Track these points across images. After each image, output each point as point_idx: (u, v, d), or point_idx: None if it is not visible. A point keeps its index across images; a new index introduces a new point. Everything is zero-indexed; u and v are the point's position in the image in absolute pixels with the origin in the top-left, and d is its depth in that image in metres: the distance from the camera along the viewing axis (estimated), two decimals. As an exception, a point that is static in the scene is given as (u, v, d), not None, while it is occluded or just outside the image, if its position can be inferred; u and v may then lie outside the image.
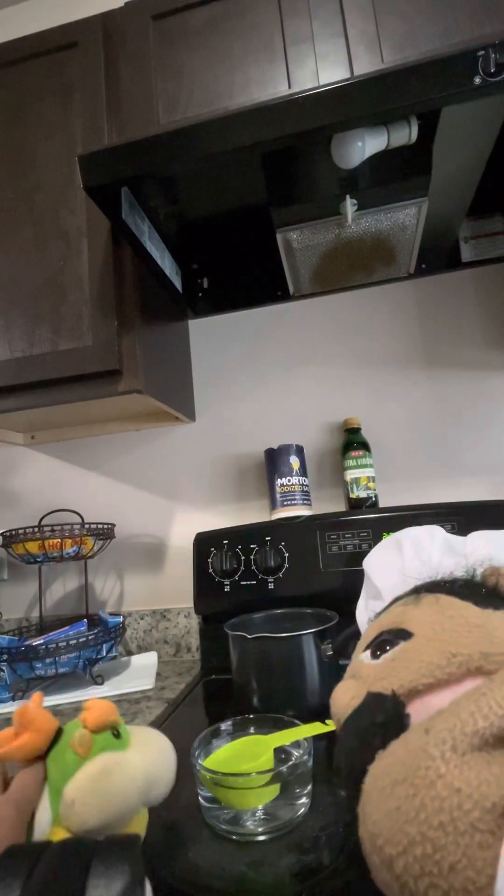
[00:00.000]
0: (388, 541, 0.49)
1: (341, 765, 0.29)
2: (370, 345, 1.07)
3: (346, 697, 0.33)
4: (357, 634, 0.43)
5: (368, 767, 0.26)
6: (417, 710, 0.27)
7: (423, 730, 0.24)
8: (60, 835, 0.32)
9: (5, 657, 0.77)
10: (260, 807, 0.42)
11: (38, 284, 0.87)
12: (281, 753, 0.47)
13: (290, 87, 0.81)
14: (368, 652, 0.34)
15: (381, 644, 0.33)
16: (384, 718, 0.27)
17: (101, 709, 0.37)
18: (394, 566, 0.45)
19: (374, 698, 0.29)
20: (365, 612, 0.47)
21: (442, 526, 0.80)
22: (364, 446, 0.97)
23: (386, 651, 0.32)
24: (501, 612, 0.30)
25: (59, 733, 0.37)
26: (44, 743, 0.35)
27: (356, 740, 0.28)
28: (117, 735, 0.37)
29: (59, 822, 0.32)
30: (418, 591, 0.36)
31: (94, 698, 0.39)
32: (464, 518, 0.81)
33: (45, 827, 0.32)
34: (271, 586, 0.86)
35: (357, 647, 0.37)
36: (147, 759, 0.37)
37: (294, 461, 0.94)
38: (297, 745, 0.47)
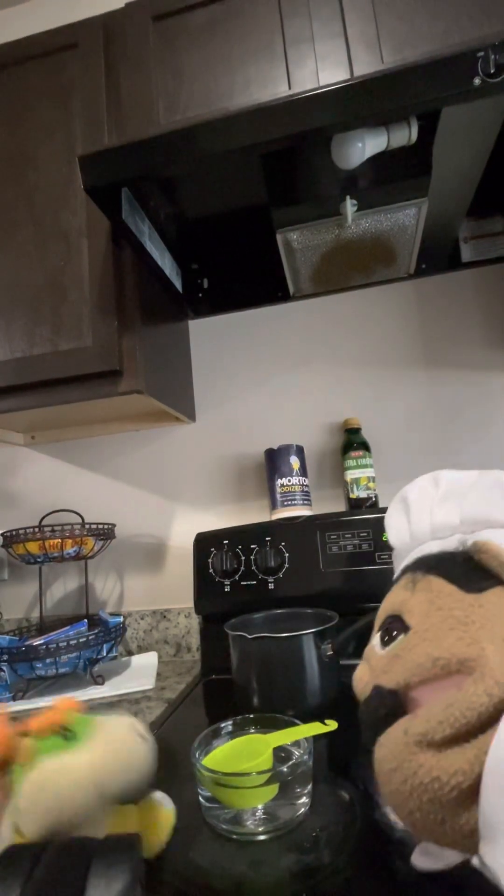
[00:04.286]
0: (397, 498, 0.51)
1: (365, 741, 0.36)
2: (370, 345, 1.07)
3: (360, 683, 0.39)
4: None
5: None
6: (411, 699, 0.33)
7: (402, 730, 0.31)
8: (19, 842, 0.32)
9: (6, 657, 0.78)
10: (260, 806, 0.42)
11: (39, 285, 0.87)
12: (281, 753, 0.47)
13: (290, 87, 0.81)
14: (378, 637, 0.40)
15: (387, 630, 0.38)
16: (386, 711, 0.34)
17: (48, 714, 0.38)
18: (403, 527, 0.47)
19: (377, 692, 0.35)
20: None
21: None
22: (364, 446, 0.97)
23: (391, 639, 0.38)
24: (483, 595, 0.34)
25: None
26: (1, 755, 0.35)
27: (367, 726, 0.35)
28: (67, 735, 0.37)
29: (18, 831, 0.33)
30: (417, 568, 0.40)
31: (62, 698, 0.40)
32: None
33: (9, 836, 0.33)
34: (271, 586, 0.86)
35: (375, 624, 0.42)
36: (96, 754, 0.36)
37: (294, 461, 0.94)
38: (297, 744, 0.47)
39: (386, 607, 0.41)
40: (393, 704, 0.33)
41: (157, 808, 0.40)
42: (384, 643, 0.38)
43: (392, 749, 0.31)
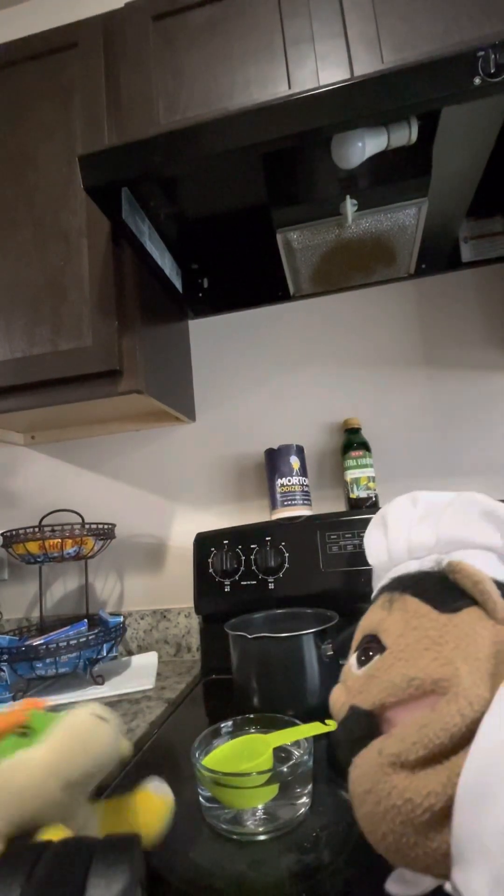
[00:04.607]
0: (377, 518, 0.52)
1: (339, 761, 0.35)
2: (370, 345, 1.07)
3: (337, 704, 0.39)
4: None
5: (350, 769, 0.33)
6: (386, 719, 0.33)
7: (377, 751, 0.31)
8: None
9: (6, 657, 0.78)
10: (260, 806, 0.42)
11: (39, 285, 0.87)
12: (281, 753, 0.47)
13: (290, 87, 0.81)
14: (355, 657, 0.40)
15: (364, 651, 0.38)
16: (361, 733, 0.33)
17: (2, 717, 0.38)
18: (382, 547, 0.48)
19: (353, 713, 0.35)
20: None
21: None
22: (364, 446, 0.97)
23: (368, 659, 0.38)
24: (457, 615, 0.34)
25: None
26: None
27: (343, 747, 0.35)
28: (25, 734, 0.37)
29: None
30: (394, 588, 0.40)
31: (24, 700, 0.40)
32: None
33: None
34: (271, 586, 0.86)
35: (352, 645, 0.42)
36: (53, 744, 0.36)
37: (294, 461, 0.94)
38: (297, 744, 0.47)
39: (363, 627, 0.41)
40: (368, 725, 0.33)
41: (152, 796, 0.40)
42: (360, 663, 0.38)
43: (366, 770, 0.31)
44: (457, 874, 0.26)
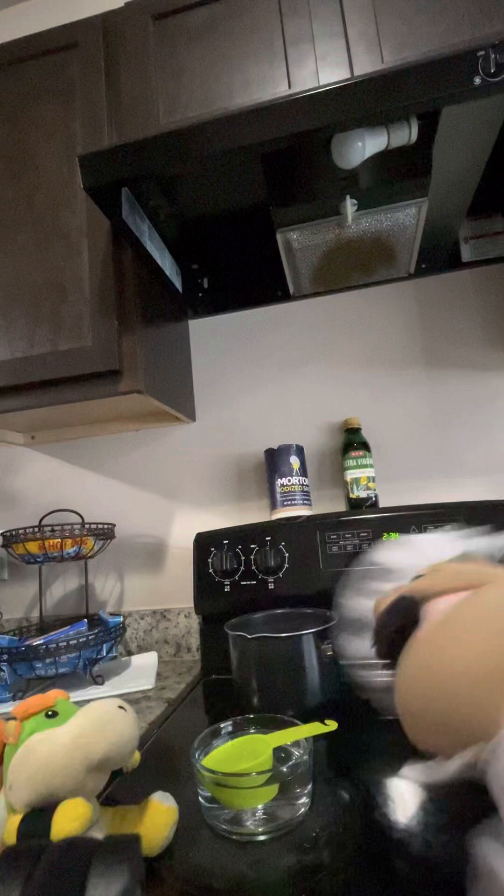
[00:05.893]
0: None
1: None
2: (370, 345, 1.07)
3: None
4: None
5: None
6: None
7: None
8: (11, 818, 0.35)
9: (6, 657, 0.77)
10: (260, 806, 0.42)
11: (39, 285, 0.87)
12: (281, 753, 0.47)
13: (290, 87, 0.81)
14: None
15: None
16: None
17: (30, 699, 0.41)
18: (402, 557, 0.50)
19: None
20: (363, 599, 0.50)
21: (442, 526, 0.81)
22: (364, 446, 0.97)
23: None
24: None
25: None
26: None
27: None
28: (52, 715, 0.40)
29: (11, 808, 0.36)
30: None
31: (54, 690, 0.44)
32: (463, 518, 0.81)
33: (2, 814, 0.36)
34: (271, 586, 0.86)
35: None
36: (79, 726, 0.39)
37: (294, 461, 0.94)
38: (297, 744, 0.47)
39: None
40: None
41: (157, 807, 0.41)
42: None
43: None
44: None
